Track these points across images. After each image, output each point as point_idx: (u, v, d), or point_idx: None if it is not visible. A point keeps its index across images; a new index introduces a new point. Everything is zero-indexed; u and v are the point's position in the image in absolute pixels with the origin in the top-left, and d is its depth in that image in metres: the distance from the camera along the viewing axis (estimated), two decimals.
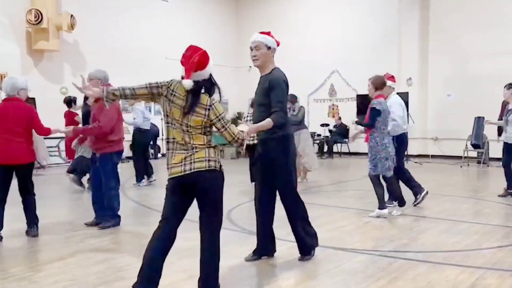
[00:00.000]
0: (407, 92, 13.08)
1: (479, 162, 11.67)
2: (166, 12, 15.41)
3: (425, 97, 13.90)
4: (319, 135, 15.26)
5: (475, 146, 11.54)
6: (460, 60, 13.17)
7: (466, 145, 11.85)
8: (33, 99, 11.31)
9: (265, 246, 4.02)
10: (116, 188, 5.33)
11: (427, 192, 6.29)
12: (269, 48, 3.75)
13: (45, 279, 3.58)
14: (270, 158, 3.77)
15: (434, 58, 13.71)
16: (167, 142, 2.99)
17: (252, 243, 4.10)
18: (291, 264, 3.92)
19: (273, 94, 3.65)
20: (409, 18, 13.86)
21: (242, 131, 3.12)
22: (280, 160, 3.76)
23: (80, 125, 6.31)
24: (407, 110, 12.51)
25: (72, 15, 12.09)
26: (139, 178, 8.70)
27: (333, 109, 15.60)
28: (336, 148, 15.03)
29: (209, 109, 2.91)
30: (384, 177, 5.67)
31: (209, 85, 2.98)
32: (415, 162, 12.35)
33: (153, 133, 14.09)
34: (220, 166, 3.00)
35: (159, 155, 14.86)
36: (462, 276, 3.56)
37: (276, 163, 3.76)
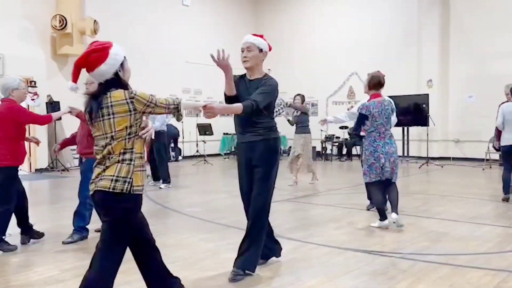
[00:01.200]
0: (427, 94, 12.95)
1: (501, 165, 11.47)
2: (186, 16, 15.60)
3: (446, 98, 13.73)
4: (338, 137, 15.22)
5: (498, 149, 11.34)
6: (482, 60, 12.99)
7: (488, 147, 11.67)
8: (58, 102, 11.61)
9: (270, 247, 3.96)
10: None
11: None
12: (261, 50, 3.71)
13: (71, 278, 3.68)
14: (257, 161, 3.65)
15: (454, 59, 13.55)
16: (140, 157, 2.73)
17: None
18: (310, 265, 3.94)
19: (262, 91, 3.56)
20: (429, 19, 13.73)
21: (205, 106, 3.05)
22: (269, 165, 3.65)
23: None
24: (428, 112, 12.53)
25: (95, 20, 12.35)
26: (160, 179, 8.88)
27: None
28: (355, 150, 14.97)
29: (131, 102, 2.57)
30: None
31: (116, 86, 2.63)
32: (436, 165, 12.22)
33: (172, 135, 14.30)
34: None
35: (180, 157, 15.03)
36: (484, 279, 3.54)
37: (265, 168, 3.64)
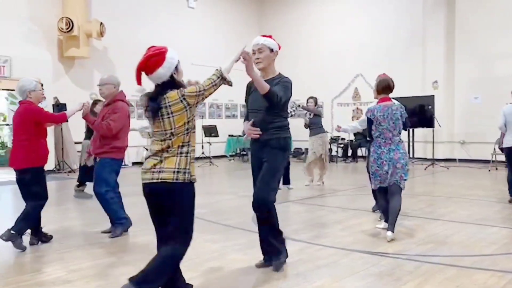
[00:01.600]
0: (433, 96, 12.91)
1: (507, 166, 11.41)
2: (192, 19, 15.66)
3: (451, 100, 13.70)
4: (343, 139, 15.22)
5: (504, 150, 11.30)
6: (487, 61, 12.95)
7: (494, 149, 11.63)
8: (64, 104, 11.67)
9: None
10: (109, 191, 5.06)
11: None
12: (272, 50, 3.80)
13: (78, 279, 3.72)
14: (266, 157, 3.73)
15: (460, 60, 13.51)
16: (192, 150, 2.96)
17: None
18: (316, 267, 3.95)
19: (283, 87, 3.65)
20: (434, 20, 13.71)
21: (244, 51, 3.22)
22: (277, 162, 3.74)
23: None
24: (433, 113, 12.49)
25: (101, 23, 12.42)
26: None
27: (357, 113, 15.51)
28: (360, 152, 14.95)
29: (184, 99, 2.81)
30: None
31: (171, 87, 2.86)
32: (442, 166, 12.19)
33: None
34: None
35: None
36: (491, 280, 3.53)
37: (272, 164, 3.72)
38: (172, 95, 2.80)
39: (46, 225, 5.17)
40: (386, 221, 5.14)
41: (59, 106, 11.78)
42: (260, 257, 3.94)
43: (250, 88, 3.88)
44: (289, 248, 4.13)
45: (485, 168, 11.75)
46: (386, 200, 5.07)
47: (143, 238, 4.88)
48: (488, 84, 12.79)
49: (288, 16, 17.11)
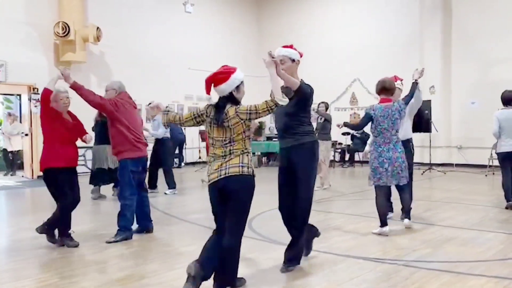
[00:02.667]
0: (430, 100, 12.93)
1: None
2: (189, 23, 15.66)
3: (448, 105, 13.72)
4: (340, 143, 15.21)
5: None
6: (484, 66, 12.98)
7: (491, 154, 11.62)
8: None
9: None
10: (130, 199, 5.14)
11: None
12: (293, 60, 3.89)
13: (71, 285, 3.68)
14: (298, 165, 3.83)
15: (457, 65, 13.54)
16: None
17: (274, 250, 4.12)
18: (312, 272, 3.93)
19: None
20: (431, 25, 13.74)
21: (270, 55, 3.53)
22: (308, 167, 3.86)
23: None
24: (431, 118, 12.50)
25: (98, 27, 12.40)
26: (156, 187, 8.97)
27: (354, 117, 15.53)
28: (357, 156, 14.95)
29: (238, 115, 3.32)
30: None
31: (230, 101, 3.37)
32: (439, 171, 12.18)
33: (179, 141, 14.32)
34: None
35: (182, 164, 15.02)
36: (487, 286, 3.52)
37: (304, 170, 3.84)
38: (230, 110, 3.33)
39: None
40: (381, 226, 5.22)
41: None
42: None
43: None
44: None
45: (482, 173, 11.74)
46: (385, 200, 5.46)
47: (156, 238, 4.83)
48: (485, 89, 12.79)
49: (285, 21, 17.12)
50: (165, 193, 8.74)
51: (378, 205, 5.33)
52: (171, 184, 8.84)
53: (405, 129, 5.88)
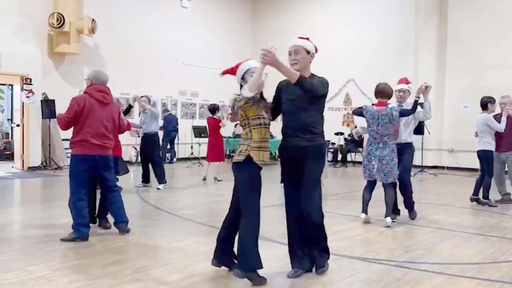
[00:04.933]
0: (423, 103, 12.96)
1: None
2: (185, 18, 15.58)
3: (441, 108, 13.79)
4: (333, 143, 15.24)
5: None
6: (477, 71, 13.06)
7: None
8: (53, 100, 11.55)
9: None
10: (73, 196, 4.88)
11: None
12: (308, 52, 3.77)
13: (61, 278, 3.65)
14: (304, 166, 3.65)
15: (451, 69, 13.62)
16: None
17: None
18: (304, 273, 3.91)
19: (318, 81, 3.68)
20: (426, 28, 13.80)
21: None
22: (317, 167, 3.72)
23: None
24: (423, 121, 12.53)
25: (93, 19, 12.29)
26: (149, 181, 8.97)
27: (347, 118, 15.57)
28: (350, 157, 14.99)
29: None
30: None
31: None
32: (430, 173, 12.25)
33: (170, 137, 14.29)
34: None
35: (175, 159, 14.96)
36: None
37: (313, 170, 3.68)
38: (239, 99, 3.61)
39: (32, 222, 5.08)
40: (363, 212, 5.77)
41: (48, 102, 11.64)
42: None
43: (282, 89, 3.80)
44: (277, 252, 4.11)
45: (472, 176, 11.78)
46: (368, 194, 5.81)
47: (147, 233, 4.80)
48: (478, 93, 12.74)
49: (282, 19, 17.07)
50: (158, 188, 8.69)
51: (363, 195, 5.86)
52: (161, 178, 8.81)
53: (409, 132, 6.16)
